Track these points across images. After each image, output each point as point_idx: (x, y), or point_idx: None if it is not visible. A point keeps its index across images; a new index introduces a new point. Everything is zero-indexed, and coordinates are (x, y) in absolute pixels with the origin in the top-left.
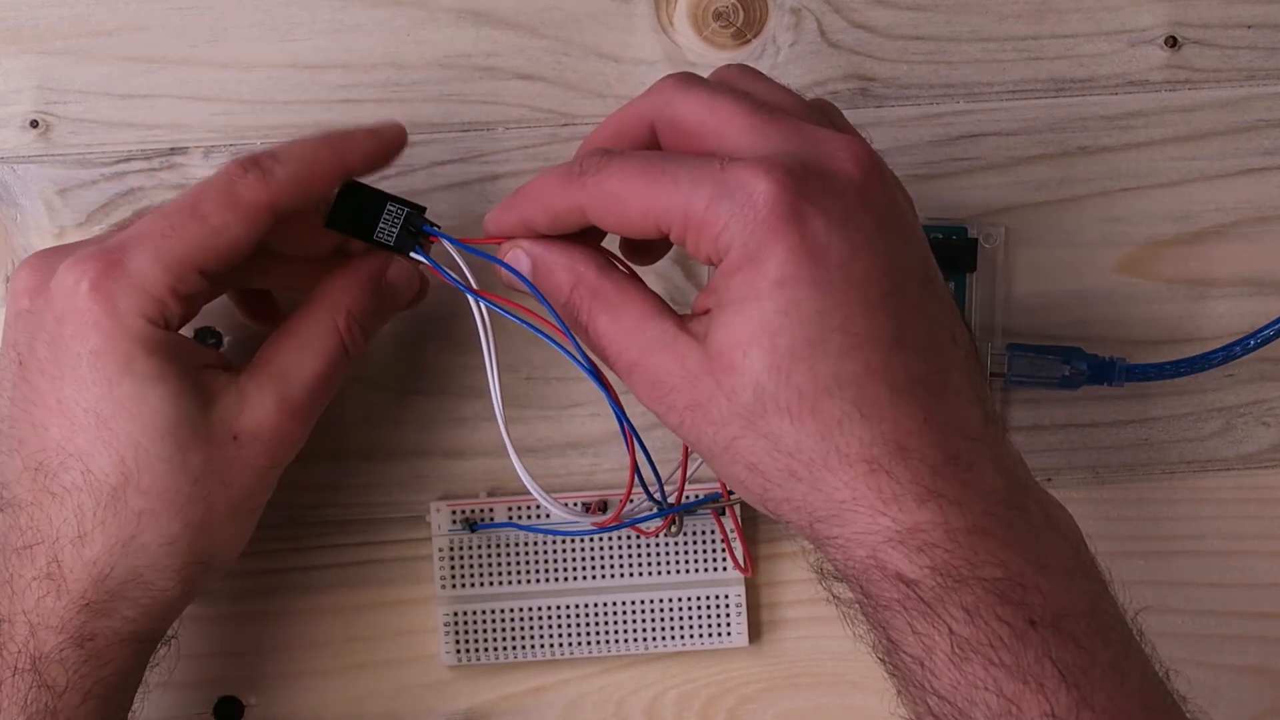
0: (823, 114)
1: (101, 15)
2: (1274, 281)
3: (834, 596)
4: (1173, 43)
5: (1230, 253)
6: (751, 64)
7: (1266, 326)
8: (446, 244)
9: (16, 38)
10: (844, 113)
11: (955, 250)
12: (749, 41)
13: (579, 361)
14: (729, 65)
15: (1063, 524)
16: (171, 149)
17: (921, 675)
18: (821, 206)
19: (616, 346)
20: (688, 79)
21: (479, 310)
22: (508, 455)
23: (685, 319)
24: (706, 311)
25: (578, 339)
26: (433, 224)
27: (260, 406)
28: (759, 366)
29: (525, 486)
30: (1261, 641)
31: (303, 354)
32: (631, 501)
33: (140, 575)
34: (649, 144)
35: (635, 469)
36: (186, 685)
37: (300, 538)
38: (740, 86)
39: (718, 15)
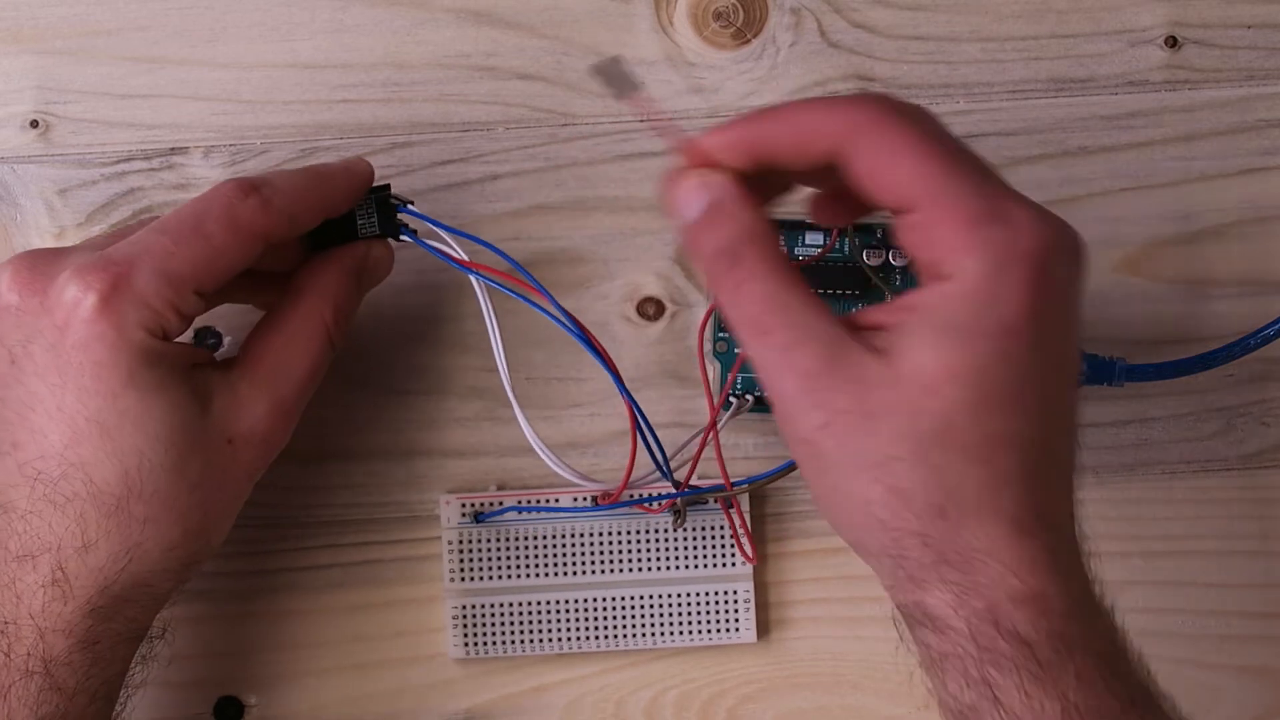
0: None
1: (101, 15)
2: (1274, 281)
3: (920, 643)
4: (1173, 43)
5: (1230, 253)
6: (751, 64)
7: (1266, 326)
8: (429, 225)
9: (16, 38)
10: None
11: None
12: (749, 41)
13: (565, 325)
14: (922, 112)
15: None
16: (171, 149)
17: None
18: (1067, 271)
19: (775, 319)
20: (891, 105)
21: (476, 284)
22: (510, 455)
23: (853, 326)
24: (884, 327)
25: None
26: (405, 201)
27: (254, 409)
28: (959, 400)
29: (530, 479)
30: (1261, 641)
31: (292, 352)
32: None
33: (143, 580)
34: (819, 164)
35: (638, 434)
36: (186, 685)
37: (301, 538)
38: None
39: (718, 15)
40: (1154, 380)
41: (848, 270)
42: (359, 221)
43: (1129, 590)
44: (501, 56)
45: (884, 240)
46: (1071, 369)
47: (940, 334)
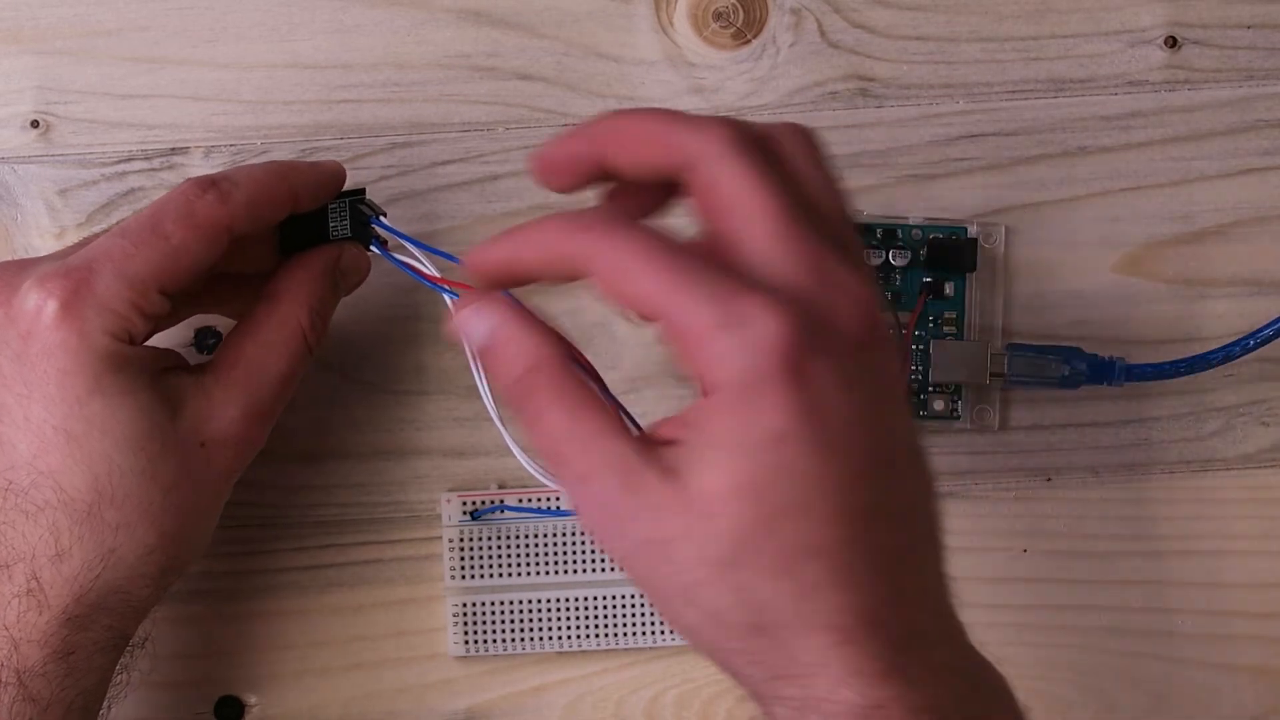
0: (847, 216)
1: (101, 15)
2: (1274, 281)
3: None
4: (1172, 43)
5: (1230, 253)
6: (751, 64)
7: (1266, 326)
8: (402, 241)
9: (16, 38)
10: (844, 113)
11: (955, 250)
12: (749, 42)
13: None
14: (792, 129)
15: (1004, 692)
16: (172, 149)
17: None
18: (829, 364)
19: (569, 450)
20: (743, 140)
21: (450, 303)
22: (509, 455)
23: (647, 443)
24: (674, 442)
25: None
26: (378, 212)
27: (227, 412)
28: (745, 520)
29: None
30: (1261, 641)
31: (268, 355)
32: None
33: (120, 587)
34: (663, 176)
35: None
36: (186, 685)
37: (301, 538)
38: (794, 166)
39: (718, 15)
40: (1154, 380)
41: None
42: (330, 224)
43: (1129, 590)
44: (502, 56)
45: (884, 240)
46: (880, 448)
47: (715, 451)
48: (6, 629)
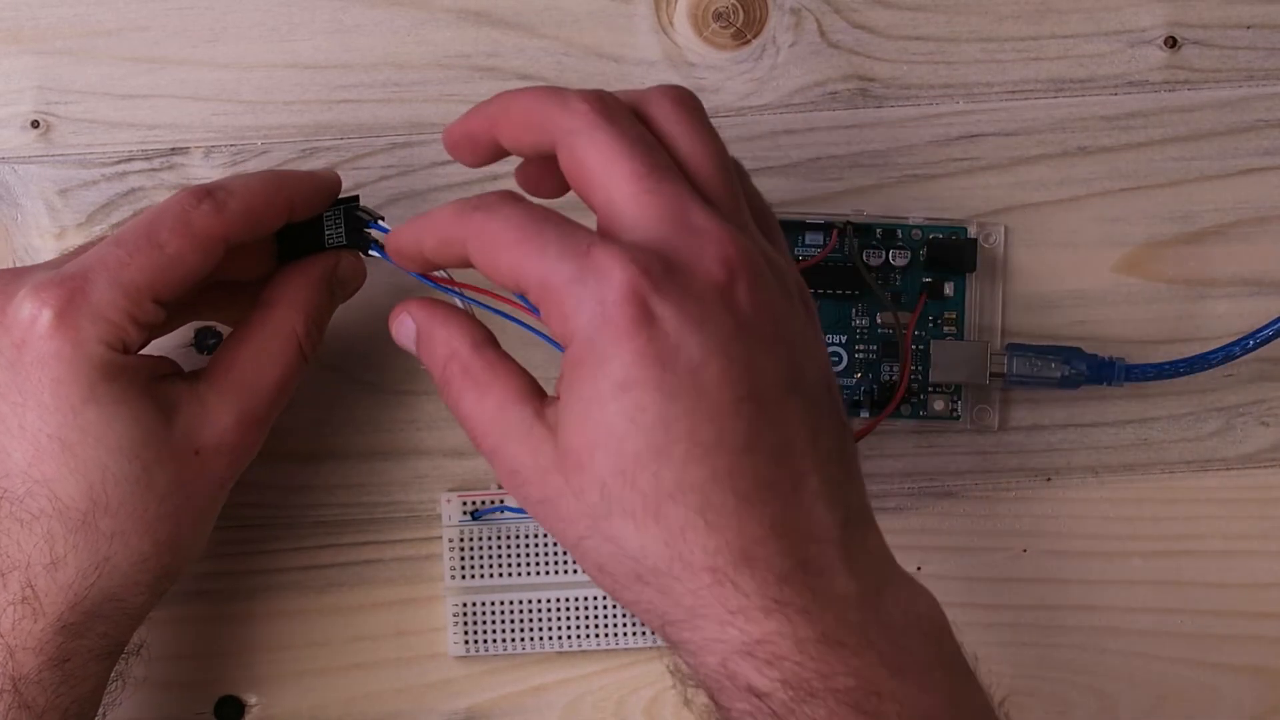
0: (733, 176)
1: (101, 15)
2: (1274, 281)
3: (688, 701)
4: (1172, 43)
5: (1230, 253)
6: (751, 64)
7: (1266, 326)
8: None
9: (16, 38)
10: (844, 113)
11: (955, 250)
12: (749, 42)
13: (553, 342)
14: (661, 92)
15: (925, 618)
16: (172, 149)
17: None
18: (676, 307)
19: (479, 430)
20: (605, 112)
21: (460, 303)
22: None
23: (545, 403)
24: (556, 399)
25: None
26: (376, 217)
27: (221, 419)
28: (604, 470)
29: None
30: (1261, 641)
31: (262, 362)
32: None
33: (115, 594)
34: (542, 153)
35: None
36: (186, 685)
37: (300, 538)
38: (663, 128)
39: (718, 15)
40: (1154, 380)
41: (847, 271)
42: (326, 232)
43: (1129, 590)
44: (502, 57)
45: (884, 241)
46: (740, 384)
47: (574, 404)
48: (2, 636)
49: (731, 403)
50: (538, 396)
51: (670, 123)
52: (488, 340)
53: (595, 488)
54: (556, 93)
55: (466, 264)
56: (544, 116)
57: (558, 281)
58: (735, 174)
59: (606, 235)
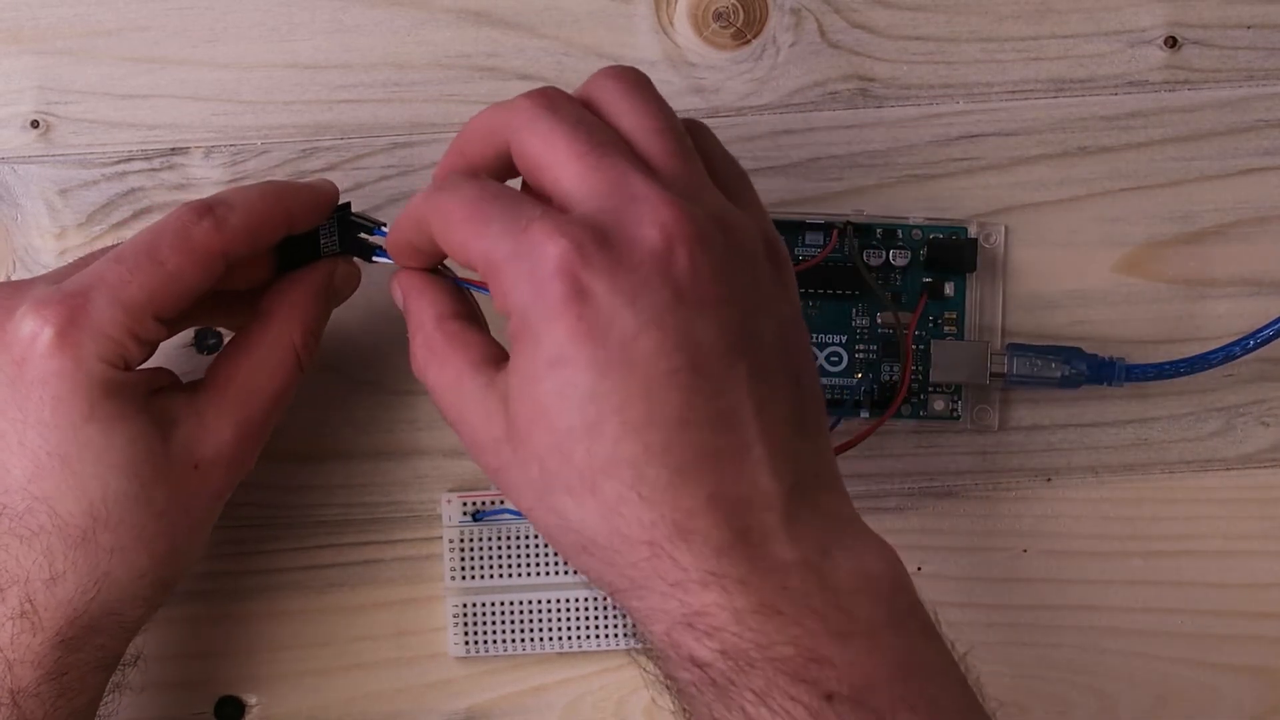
0: (683, 143)
1: (101, 15)
2: (1274, 281)
3: (644, 670)
4: (1172, 43)
5: (1230, 253)
6: (751, 64)
7: (1266, 326)
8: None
9: (16, 38)
10: (844, 113)
11: (955, 250)
12: (749, 42)
13: None
14: (604, 75)
15: (876, 578)
16: (172, 149)
17: None
18: (608, 281)
19: (442, 402)
20: (546, 103)
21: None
22: None
23: (499, 370)
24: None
25: None
26: (377, 224)
27: (220, 433)
28: (542, 445)
29: None
30: (1261, 641)
31: (260, 375)
32: None
33: (113, 608)
34: (506, 158)
35: None
36: (186, 685)
37: (301, 538)
38: (608, 109)
39: (718, 15)
40: (1154, 380)
41: (847, 271)
42: (322, 240)
43: (1129, 590)
44: (502, 57)
45: (884, 241)
46: (676, 355)
47: (514, 379)
48: (1, 650)
49: (666, 374)
50: (492, 364)
51: (614, 100)
52: (455, 312)
53: (535, 462)
54: (504, 101)
55: (439, 256)
56: (495, 123)
57: (497, 258)
58: (685, 138)
59: (552, 213)
